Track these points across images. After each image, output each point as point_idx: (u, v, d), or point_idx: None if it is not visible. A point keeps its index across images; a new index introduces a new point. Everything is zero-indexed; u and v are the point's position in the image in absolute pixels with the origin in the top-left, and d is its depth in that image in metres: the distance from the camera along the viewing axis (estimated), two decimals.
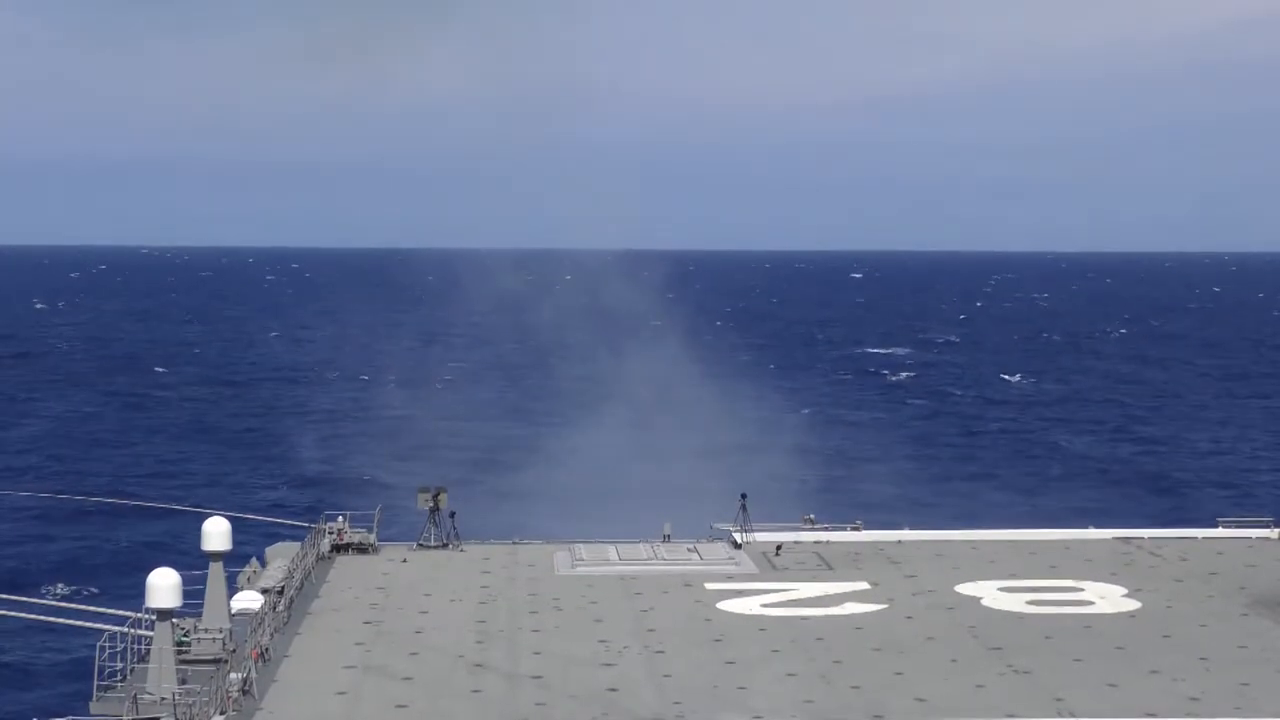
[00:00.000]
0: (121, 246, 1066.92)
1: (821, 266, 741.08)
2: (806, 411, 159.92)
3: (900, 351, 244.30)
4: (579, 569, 52.31)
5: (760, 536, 56.46)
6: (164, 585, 38.68)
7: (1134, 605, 47.52)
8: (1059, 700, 37.77)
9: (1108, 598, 48.43)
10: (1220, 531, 59.21)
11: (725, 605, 47.21)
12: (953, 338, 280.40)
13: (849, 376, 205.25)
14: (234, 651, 40.88)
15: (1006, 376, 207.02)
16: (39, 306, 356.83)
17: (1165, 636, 43.94)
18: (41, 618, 51.91)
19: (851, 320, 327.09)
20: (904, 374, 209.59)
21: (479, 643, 42.87)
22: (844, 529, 58.60)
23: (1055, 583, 50.48)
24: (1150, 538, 58.16)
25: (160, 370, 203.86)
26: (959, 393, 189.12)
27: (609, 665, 40.80)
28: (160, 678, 37.88)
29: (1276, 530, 58.56)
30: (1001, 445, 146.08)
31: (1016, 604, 47.52)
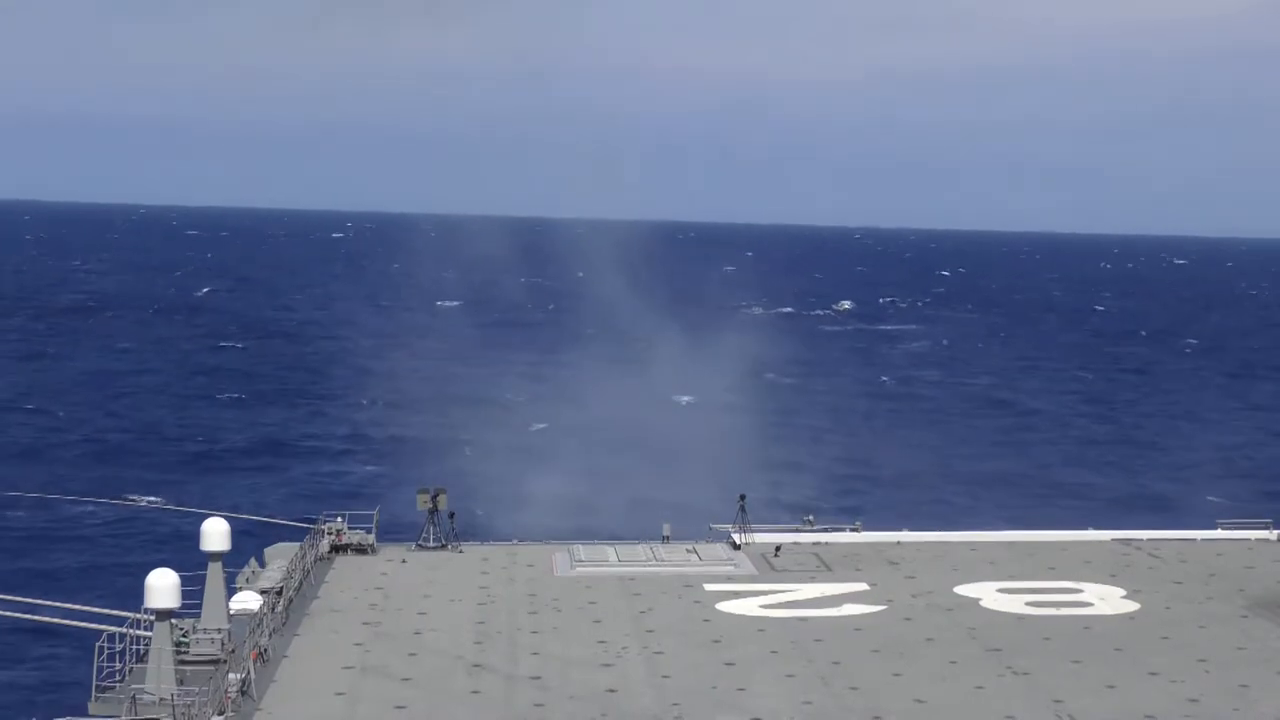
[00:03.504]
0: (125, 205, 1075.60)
1: (814, 241, 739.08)
2: (805, 411, 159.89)
3: (901, 345, 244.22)
4: (578, 570, 52.31)
5: (759, 538, 56.50)
6: (163, 585, 38.69)
7: (1133, 607, 47.56)
8: (1058, 702, 37.80)
9: (1107, 599, 48.46)
10: (1219, 533, 59.23)
11: (724, 606, 47.23)
12: (953, 334, 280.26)
13: (847, 376, 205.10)
14: (233, 652, 40.86)
15: (1007, 373, 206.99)
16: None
17: (1164, 638, 43.98)
18: (41, 618, 51.95)
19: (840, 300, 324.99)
20: (903, 373, 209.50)
21: (478, 644, 42.88)
22: (843, 530, 58.64)
23: (1054, 584, 50.53)
24: (1149, 539, 58.20)
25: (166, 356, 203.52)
26: (957, 394, 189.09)
27: (608, 666, 40.83)
28: (159, 678, 37.89)
29: (1276, 532, 58.60)
30: (1000, 446, 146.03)
31: (1015, 605, 47.56)
